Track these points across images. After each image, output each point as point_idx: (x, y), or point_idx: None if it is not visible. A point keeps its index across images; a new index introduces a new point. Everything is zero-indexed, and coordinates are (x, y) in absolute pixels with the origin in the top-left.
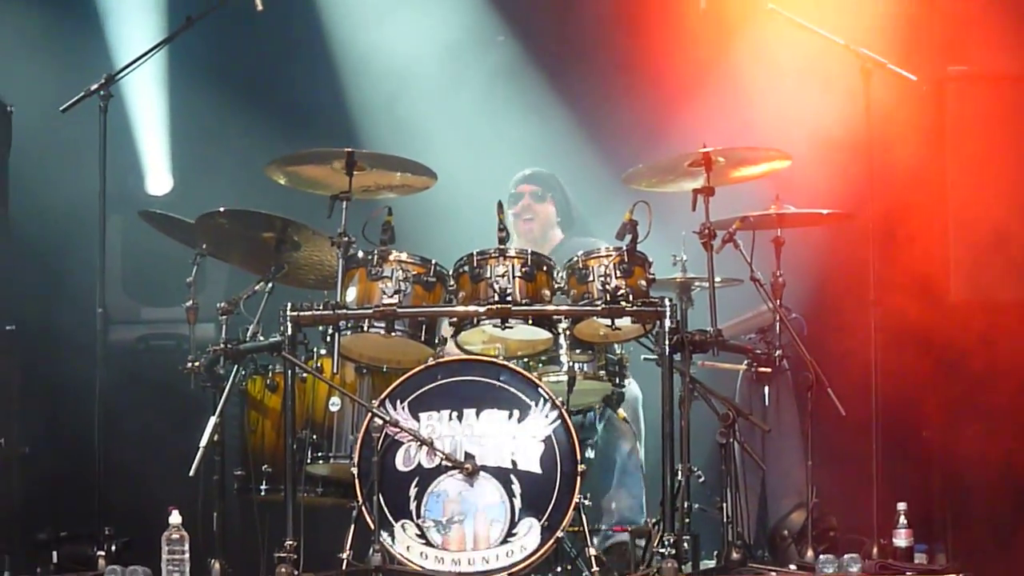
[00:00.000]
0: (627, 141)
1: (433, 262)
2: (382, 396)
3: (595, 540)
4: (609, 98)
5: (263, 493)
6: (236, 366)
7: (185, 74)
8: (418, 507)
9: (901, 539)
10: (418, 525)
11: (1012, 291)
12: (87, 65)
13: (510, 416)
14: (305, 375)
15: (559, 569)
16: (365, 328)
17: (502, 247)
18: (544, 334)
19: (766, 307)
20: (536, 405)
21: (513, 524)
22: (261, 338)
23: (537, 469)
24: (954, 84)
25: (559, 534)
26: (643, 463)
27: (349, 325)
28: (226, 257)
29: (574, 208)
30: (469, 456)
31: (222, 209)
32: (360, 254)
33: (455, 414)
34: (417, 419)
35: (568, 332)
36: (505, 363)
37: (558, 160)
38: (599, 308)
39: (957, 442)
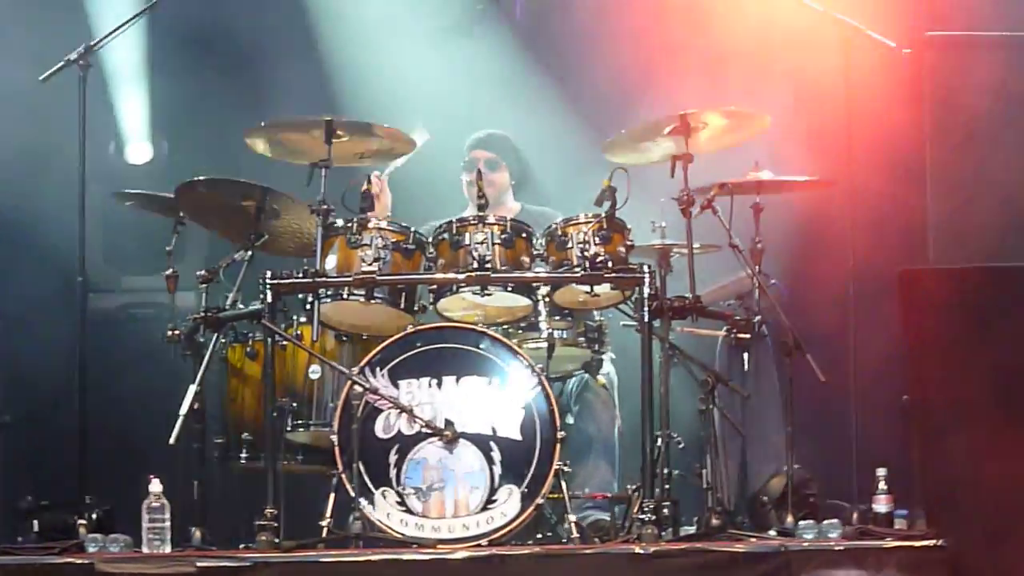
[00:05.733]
0: (605, 110)
1: (412, 229)
2: (362, 363)
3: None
4: (587, 66)
5: (243, 461)
6: (216, 334)
7: (165, 43)
8: (398, 474)
9: (881, 504)
10: (398, 492)
11: (991, 256)
12: (66, 34)
13: (490, 383)
14: (285, 343)
15: (539, 536)
16: (345, 296)
17: (481, 214)
18: (523, 301)
19: (745, 273)
20: (516, 372)
21: (493, 491)
22: (241, 306)
23: (517, 436)
24: (933, 49)
25: (539, 501)
26: (617, 440)
27: (329, 293)
28: (206, 225)
29: (528, 168)
30: (449, 423)
31: (201, 178)
32: (340, 222)
33: (435, 381)
34: (397, 386)
35: (547, 299)
36: (485, 330)
37: (535, 129)
38: (578, 275)
39: (936, 406)
